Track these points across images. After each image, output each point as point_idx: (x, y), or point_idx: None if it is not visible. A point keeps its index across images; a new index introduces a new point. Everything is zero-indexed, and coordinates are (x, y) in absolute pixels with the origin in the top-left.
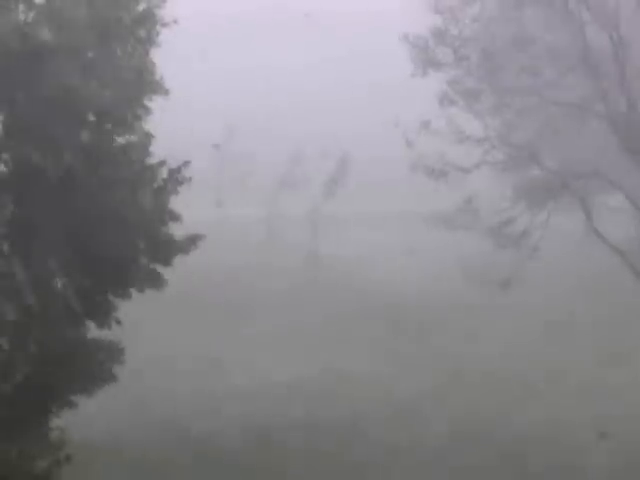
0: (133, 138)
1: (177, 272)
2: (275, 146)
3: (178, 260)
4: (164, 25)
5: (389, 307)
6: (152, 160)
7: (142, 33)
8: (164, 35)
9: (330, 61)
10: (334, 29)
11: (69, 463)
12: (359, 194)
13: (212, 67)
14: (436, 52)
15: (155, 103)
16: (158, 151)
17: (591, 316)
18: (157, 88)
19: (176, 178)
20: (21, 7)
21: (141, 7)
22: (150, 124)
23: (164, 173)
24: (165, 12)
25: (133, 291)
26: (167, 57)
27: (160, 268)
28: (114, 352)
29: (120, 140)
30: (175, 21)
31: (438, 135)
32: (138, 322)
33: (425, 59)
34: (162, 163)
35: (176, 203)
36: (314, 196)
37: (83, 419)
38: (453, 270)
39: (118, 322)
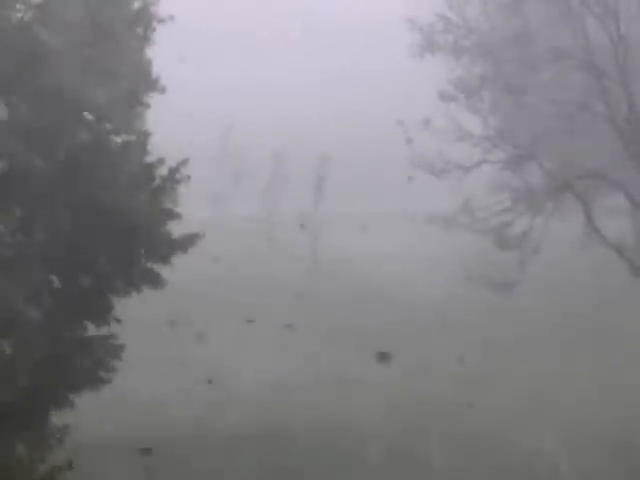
0: (131, 137)
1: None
2: (274, 145)
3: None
4: (160, 23)
5: (389, 306)
6: (150, 159)
7: (139, 31)
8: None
9: (329, 61)
10: (333, 29)
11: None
12: (358, 194)
13: (211, 67)
14: (438, 38)
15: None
16: (156, 150)
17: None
18: (154, 86)
19: (175, 177)
20: (18, 6)
21: (137, 5)
22: (148, 123)
23: (163, 171)
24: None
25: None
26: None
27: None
28: (113, 348)
29: (118, 139)
30: (171, 18)
31: (438, 133)
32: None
33: (426, 44)
34: (161, 161)
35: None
36: (312, 196)
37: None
38: (454, 271)
39: (117, 321)
